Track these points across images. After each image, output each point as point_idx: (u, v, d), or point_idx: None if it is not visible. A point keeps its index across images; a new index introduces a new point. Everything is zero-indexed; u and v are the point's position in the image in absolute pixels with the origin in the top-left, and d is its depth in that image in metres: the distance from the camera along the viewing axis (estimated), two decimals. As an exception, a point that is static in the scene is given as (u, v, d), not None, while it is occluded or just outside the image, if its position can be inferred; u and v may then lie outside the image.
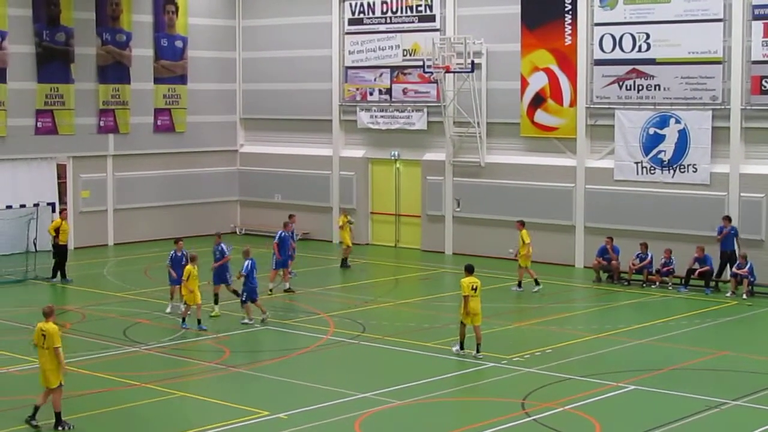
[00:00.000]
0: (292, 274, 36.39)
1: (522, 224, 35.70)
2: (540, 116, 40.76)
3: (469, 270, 26.47)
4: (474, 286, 26.06)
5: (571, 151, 40.20)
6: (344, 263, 39.96)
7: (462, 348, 26.29)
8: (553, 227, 39.78)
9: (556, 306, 33.27)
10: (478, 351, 26.14)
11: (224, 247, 32.25)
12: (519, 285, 35.34)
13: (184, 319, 29.80)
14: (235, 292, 31.63)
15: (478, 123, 41.86)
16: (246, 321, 30.16)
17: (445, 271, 39.92)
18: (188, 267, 29.79)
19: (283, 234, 35.37)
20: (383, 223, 44.77)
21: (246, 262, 30.43)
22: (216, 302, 31.41)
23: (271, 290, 34.51)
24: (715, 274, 35.71)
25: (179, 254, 31.49)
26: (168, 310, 31.44)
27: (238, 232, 48.94)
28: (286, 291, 34.83)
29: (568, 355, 26.78)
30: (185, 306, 29.94)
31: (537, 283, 35.10)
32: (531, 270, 35.20)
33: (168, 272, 31.54)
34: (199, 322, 29.52)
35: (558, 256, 39.35)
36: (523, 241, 35.18)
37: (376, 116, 45.04)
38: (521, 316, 31.78)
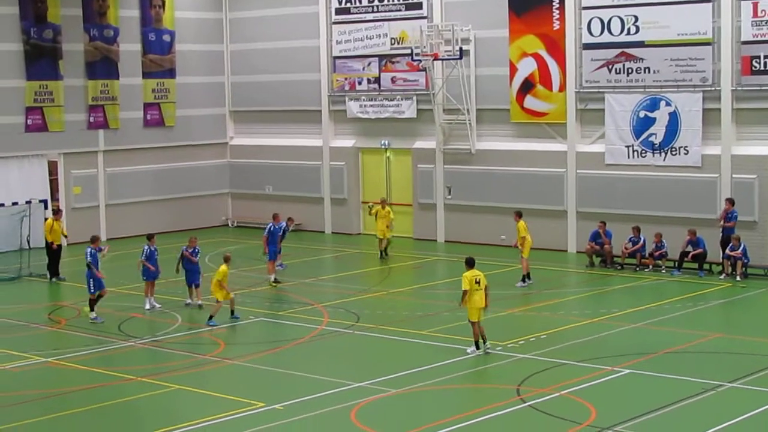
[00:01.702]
0: (282, 266, 36.45)
1: (518, 215, 34.87)
2: (529, 102, 40.75)
3: (470, 263, 25.75)
4: (477, 279, 25.53)
5: (562, 136, 40.21)
6: (382, 254, 39.73)
7: (478, 347, 25.62)
8: (545, 213, 39.78)
9: (550, 291, 33.28)
10: (485, 342, 25.69)
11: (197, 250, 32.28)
12: (527, 277, 34.07)
13: (210, 317, 29.52)
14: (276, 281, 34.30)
15: (468, 110, 41.85)
16: (189, 302, 31.68)
17: (437, 258, 39.94)
18: (223, 267, 29.71)
19: (272, 227, 35.33)
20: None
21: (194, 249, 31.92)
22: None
23: (272, 283, 34.53)
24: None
25: (152, 249, 31.60)
26: (147, 306, 31.33)
27: (230, 225, 48.96)
28: (276, 282, 34.82)
29: (562, 341, 26.81)
30: (217, 303, 29.64)
31: (526, 278, 34.12)
32: (524, 261, 34.16)
33: (143, 268, 31.46)
34: (232, 313, 29.84)
35: (550, 242, 39.37)
36: (519, 234, 34.32)
37: (365, 105, 45.02)
38: (515, 303, 31.78)
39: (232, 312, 29.90)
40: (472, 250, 37.50)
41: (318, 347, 27.15)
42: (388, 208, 40.38)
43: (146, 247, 31.63)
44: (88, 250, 30.43)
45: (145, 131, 46.78)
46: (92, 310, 30.06)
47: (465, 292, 25.37)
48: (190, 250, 31.89)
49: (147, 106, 46.79)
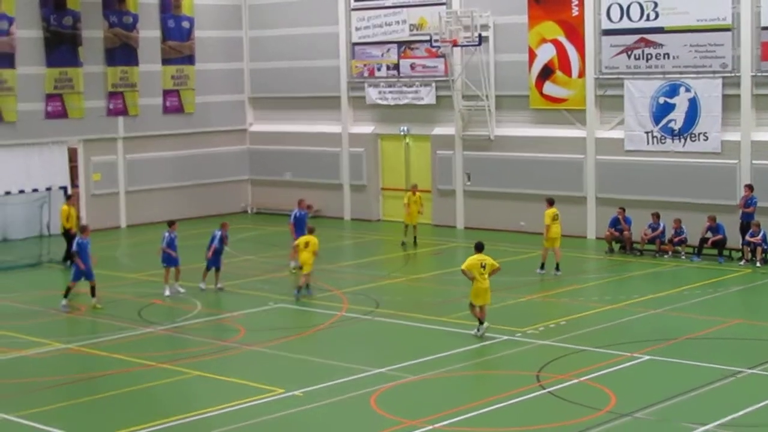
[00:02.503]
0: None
1: (549, 202, 34.15)
2: (549, 88, 40.64)
3: (478, 248, 26.03)
4: (483, 263, 25.68)
5: (581, 122, 40.10)
6: (405, 242, 39.55)
7: (482, 323, 25.86)
8: (565, 199, 39.62)
9: (569, 278, 33.18)
10: (481, 323, 25.88)
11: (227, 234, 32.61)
12: (556, 268, 33.45)
13: (307, 286, 30.85)
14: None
15: (487, 96, 41.77)
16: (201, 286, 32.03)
17: (457, 245, 39.88)
18: (314, 238, 31.00)
19: (297, 213, 35.20)
20: (394, 199, 44.67)
21: (216, 233, 32.13)
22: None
23: (294, 269, 34.52)
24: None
25: (173, 236, 31.70)
26: (167, 293, 31.44)
27: (249, 211, 48.98)
28: (300, 268, 34.73)
29: (582, 327, 26.76)
30: (304, 276, 30.87)
31: (543, 266, 33.64)
32: (548, 251, 33.59)
33: (164, 254, 31.54)
34: (308, 286, 30.89)
35: (570, 228, 39.18)
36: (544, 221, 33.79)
37: (384, 92, 44.95)
38: (534, 289, 31.74)
39: (300, 288, 30.83)
40: (491, 236, 37.49)
41: (338, 333, 27.18)
42: (418, 194, 40.11)
43: (167, 234, 31.70)
44: (77, 239, 30.58)
45: (164, 118, 46.83)
46: (66, 296, 30.09)
47: (464, 272, 25.63)
48: (223, 235, 32.10)
49: (166, 93, 46.84)
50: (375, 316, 28.54)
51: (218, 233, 32.13)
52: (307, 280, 30.92)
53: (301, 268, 34.72)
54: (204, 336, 26.85)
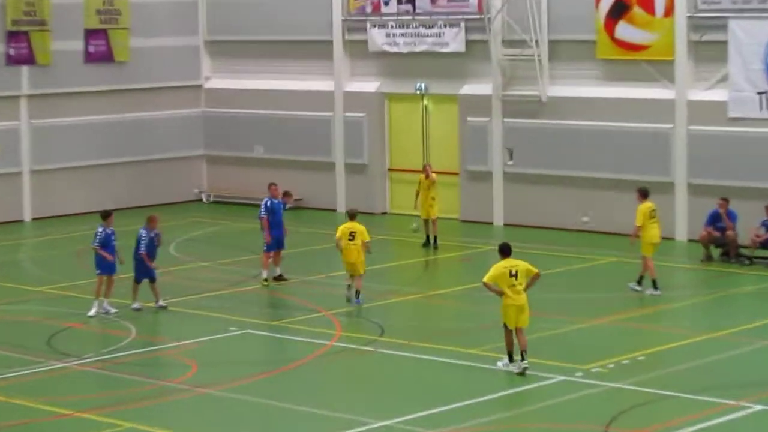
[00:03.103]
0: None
1: (642, 194, 33.92)
2: (623, 31, 40.63)
3: (505, 251, 26.22)
4: (512, 271, 25.79)
5: (668, 78, 40.11)
6: (428, 242, 39.94)
7: (511, 360, 25.99)
8: (645, 185, 39.69)
9: (651, 295, 33.14)
10: (522, 359, 25.85)
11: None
12: (653, 285, 33.13)
13: (357, 293, 32.31)
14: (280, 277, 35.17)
15: (537, 42, 41.76)
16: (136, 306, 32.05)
17: (493, 248, 39.70)
18: (360, 225, 32.08)
19: (269, 202, 35.09)
20: (406, 184, 44.70)
21: (142, 233, 32.07)
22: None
23: (265, 280, 34.52)
24: None
25: (109, 232, 31.71)
26: (92, 312, 31.46)
27: (204, 199, 48.98)
28: (276, 279, 34.83)
29: (668, 364, 26.84)
30: (351, 278, 32.15)
31: (654, 284, 33.06)
32: (649, 261, 33.21)
33: (97, 256, 31.53)
34: (357, 293, 32.31)
35: (652, 226, 39.36)
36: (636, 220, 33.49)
37: (394, 35, 44.96)
38: (599, 311, 31.70)
39: (358, 293, 32.13)
40: (540, 236, 37.59)
41: (326, 371, 27.24)
42: (433, 176, 40.01)
43: (101, 230, 31.65)
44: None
45: (86, 69, 46.85)
46: None
47: (486, 286, 25.95)
48: (153, 234, 31.94)
49: (89, 34, 46.84)
50: (378, 347, 28.56)
51: (145, 233, 31.96)
52: (360, 285, 32.13)
53: (278, 278, 34.92)
54: (141, 374, 26.89)
